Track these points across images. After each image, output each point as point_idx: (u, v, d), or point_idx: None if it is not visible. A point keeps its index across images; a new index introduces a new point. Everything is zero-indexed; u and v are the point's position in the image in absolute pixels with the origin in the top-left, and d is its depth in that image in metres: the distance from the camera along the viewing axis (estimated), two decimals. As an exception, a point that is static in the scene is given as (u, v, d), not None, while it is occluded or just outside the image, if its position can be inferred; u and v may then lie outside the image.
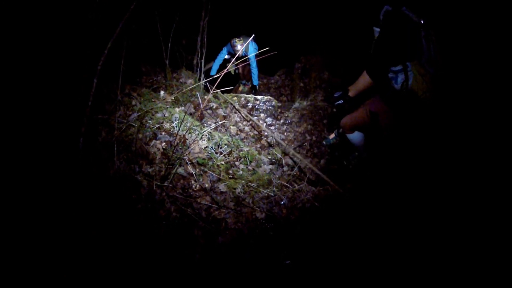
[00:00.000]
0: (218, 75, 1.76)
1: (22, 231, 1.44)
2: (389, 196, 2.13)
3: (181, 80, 3.55)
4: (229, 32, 4.55)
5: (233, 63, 1.94)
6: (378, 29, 1.90)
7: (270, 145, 3.04)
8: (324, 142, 3.07)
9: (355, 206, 2.02)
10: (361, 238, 1.79)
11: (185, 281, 1.55)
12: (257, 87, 4.87)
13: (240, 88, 5.12)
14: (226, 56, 4.85)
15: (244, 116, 3.29)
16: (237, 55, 3.77)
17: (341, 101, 2.19)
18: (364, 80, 2.10)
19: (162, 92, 2.86)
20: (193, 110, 3.08)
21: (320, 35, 4.97)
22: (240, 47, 4.46)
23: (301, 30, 5.20)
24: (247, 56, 4.60)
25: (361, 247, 1.75)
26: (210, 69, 4.82)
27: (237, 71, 5.24)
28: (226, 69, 1.84)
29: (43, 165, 1.72)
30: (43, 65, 2.04)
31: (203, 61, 3.54)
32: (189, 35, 3.54)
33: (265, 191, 2.01)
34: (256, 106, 3.72)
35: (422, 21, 1.77)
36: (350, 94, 2.17)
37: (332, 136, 3.00)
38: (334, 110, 3.63)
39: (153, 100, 2.67)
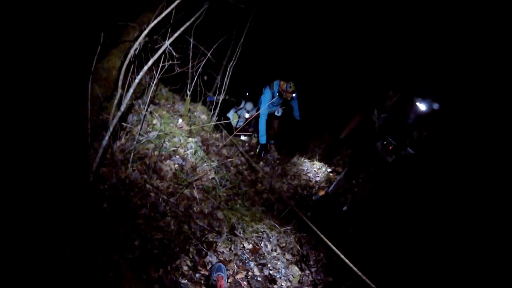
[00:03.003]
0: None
1: (23, 231, 1.40)
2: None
3: (195, 114, 3.85)
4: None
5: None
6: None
7: (264, 191, 3.26)
8: (313, 198, 3.32)
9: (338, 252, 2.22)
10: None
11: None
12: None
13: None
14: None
15: (245, 160, 3.55)
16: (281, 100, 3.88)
17: None
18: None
19: (180, 120, 3.13)
20: (200, 144, 3.33)
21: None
22: (292, 91, 3.97)
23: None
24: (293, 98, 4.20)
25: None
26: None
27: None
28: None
29: (50, 164, 1.68)
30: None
31: (220, 100, 3.80)
32: (210, 72, 3.80)
33: (256, 226, 2.20)
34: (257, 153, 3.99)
35: None
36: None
37: (322, 193, 3.26)
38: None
39: (171, 124, 2.93)
